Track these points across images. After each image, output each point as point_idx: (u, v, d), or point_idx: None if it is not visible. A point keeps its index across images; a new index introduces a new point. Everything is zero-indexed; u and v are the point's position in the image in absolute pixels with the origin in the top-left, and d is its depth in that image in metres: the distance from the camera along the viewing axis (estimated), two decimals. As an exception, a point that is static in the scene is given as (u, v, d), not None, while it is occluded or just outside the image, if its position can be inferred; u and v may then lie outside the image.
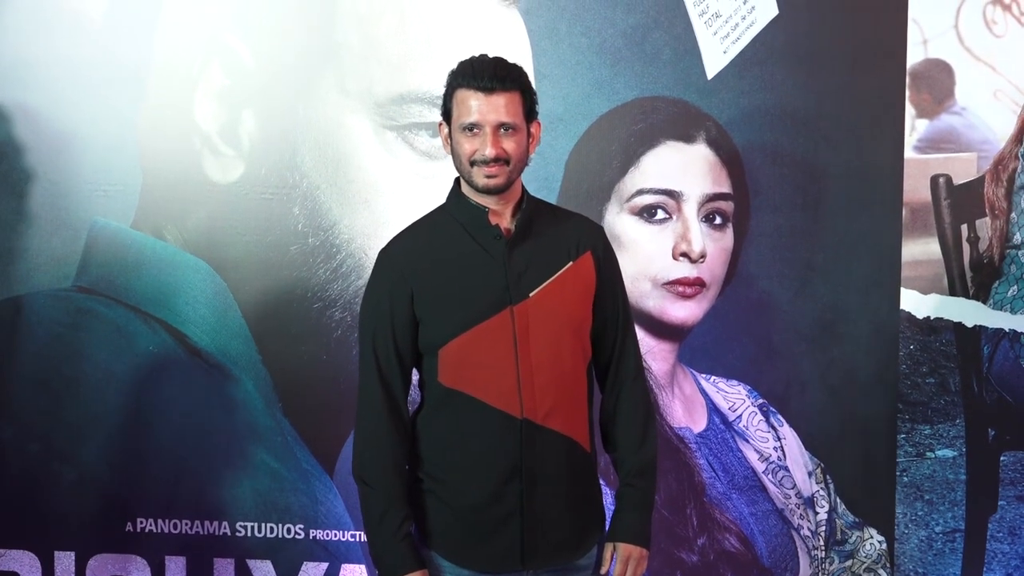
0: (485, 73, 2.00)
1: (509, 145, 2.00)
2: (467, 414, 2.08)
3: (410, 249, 2.15)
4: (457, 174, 2.10)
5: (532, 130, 2.08)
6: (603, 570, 2.16)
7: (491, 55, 2.06)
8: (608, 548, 2.16)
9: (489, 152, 1.99)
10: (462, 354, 2.07)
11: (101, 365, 2.90)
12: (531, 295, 2.07)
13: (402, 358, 2.11)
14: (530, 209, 2.13)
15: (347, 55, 2.82)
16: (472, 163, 2.02)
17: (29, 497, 2.96)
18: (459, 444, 2.10)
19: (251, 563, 2.92)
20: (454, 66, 2.06)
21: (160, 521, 2.93)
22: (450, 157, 2.08)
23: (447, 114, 2.06)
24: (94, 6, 2.87)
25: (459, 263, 2.10)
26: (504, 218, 2.09)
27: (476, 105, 2.00)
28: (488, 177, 2.01)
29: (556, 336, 2.09)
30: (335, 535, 2.91)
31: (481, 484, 2.08)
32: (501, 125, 2.00)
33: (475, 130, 2.00)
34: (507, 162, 2.01)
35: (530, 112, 2.07)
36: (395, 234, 2.18)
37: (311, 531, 2.91)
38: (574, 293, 2.13)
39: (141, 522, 2.93)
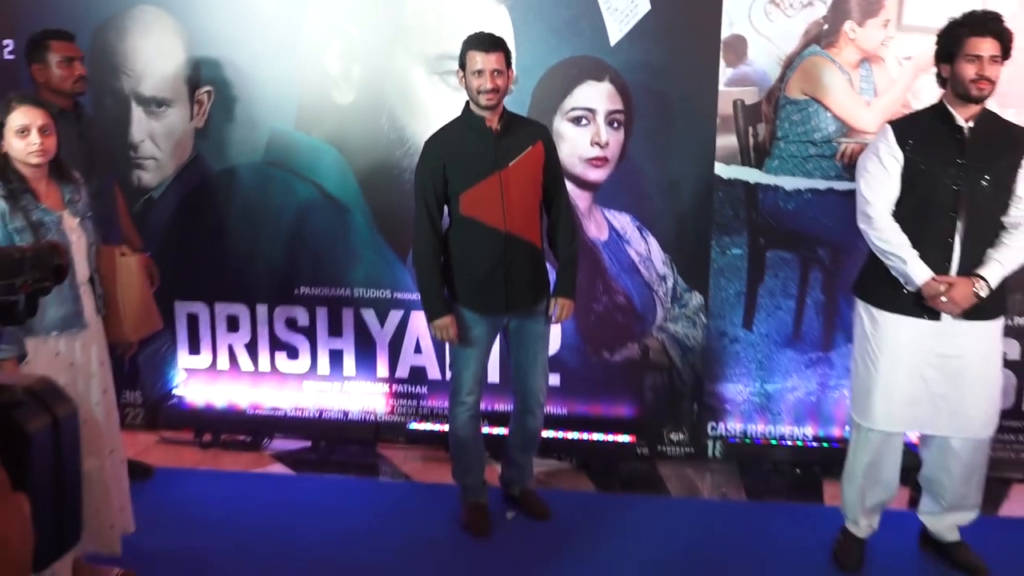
0: (485, 41, 2.67)
1: (499, 82, 2.67)
2: (475, 230, 2.75)
3: (442, 141, 2.77)
4: (468, 99, 2.75)
5: (510, 74, 2.74)
6: (549, 312, 2.93)
7: (488, 31, 2.70)
8: (552, 301, 2.92)
9: (488, 85, 2.66)
10: (472, 197, 2.74)
11: (278, 205, 3.79)
12: (510, 165, 2.72)
13: (439, 200, 2.77)
14: (508, 118, 2.76)
15: (411, 32, 3.55)
16: (478, 92, 2.68)
17: (243, 276, 3.90)
18: (471, 246, 2.78)
19: (363, 311, 3.86)
20: (466, 37, 2.72)
21: (312, 288, 3.87)
22: (464, 90, 2.74)
23: (463, 65, 2.71)
24: (267, 6, 3.68)
25: (469, 148, 2.72)
26: (494, 123, 2.73)
27: (480, 59, 2.65)
28: (487, 100, 2.68)
29: (523, 187, 2.77)
30: (406, 296, 3.80)
31: (483, 267, 2.77)
32: (494, 70, 2.64)
33: (480, 74, 2.65)
34: (497, 91, 2.67)
35: (508, 63, 2.72)
36: (432, 132, 2.83)
37: (394, 293, 3.83)
38: (533, 164, 2.79)
39: (302, 288, 3.88)
